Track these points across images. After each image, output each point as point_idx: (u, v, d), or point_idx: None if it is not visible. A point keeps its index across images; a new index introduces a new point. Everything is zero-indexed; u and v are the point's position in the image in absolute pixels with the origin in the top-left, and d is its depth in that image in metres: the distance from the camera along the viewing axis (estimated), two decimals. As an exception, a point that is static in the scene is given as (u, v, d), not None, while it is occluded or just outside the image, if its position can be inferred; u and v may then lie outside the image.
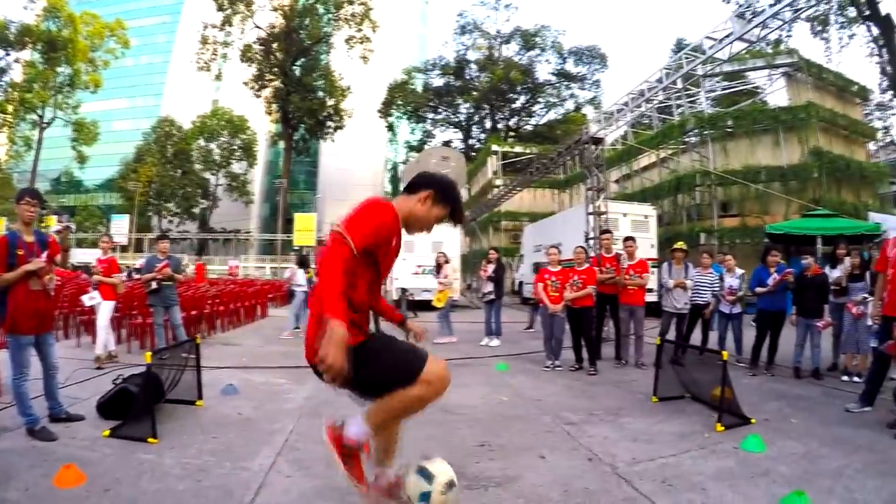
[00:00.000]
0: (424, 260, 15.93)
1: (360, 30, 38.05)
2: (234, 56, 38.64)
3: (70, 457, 3.31)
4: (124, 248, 41.42)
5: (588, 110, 42.06)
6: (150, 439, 3.71)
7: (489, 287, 9.45)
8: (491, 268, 9.44)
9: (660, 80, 10.94)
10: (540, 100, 45.00)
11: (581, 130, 13.93)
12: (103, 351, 6.82)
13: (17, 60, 41.01)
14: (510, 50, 44.43)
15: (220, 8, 36.64)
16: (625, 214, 13.89)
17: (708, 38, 9.78)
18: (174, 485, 3.06)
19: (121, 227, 42.75)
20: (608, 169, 17.89)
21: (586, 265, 7.15)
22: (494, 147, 31.25)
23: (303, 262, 11.08)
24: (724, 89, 24.29)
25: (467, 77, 44.06)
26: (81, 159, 46.52)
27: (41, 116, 42.85)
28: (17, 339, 3.87)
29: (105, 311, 7.00)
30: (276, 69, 39.04)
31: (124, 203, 50.52)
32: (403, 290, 15.41)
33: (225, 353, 8.05)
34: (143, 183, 48.55)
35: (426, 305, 16.21)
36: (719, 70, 17.12)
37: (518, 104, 45.01)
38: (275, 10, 37.99)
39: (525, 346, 8.81)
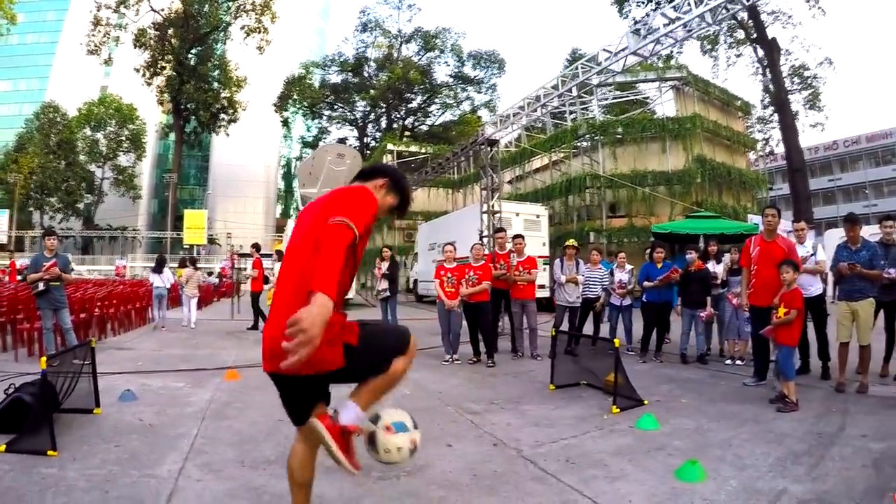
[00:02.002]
0: None
1: (259, 20, 36.63)
2: (127, 40, 35.74)
3: None
4: (2, 248, 36.97)
5: (484, 113, 43.41)
6: (49, 452, 3.51)
7: (384, 284, 9.55)
8: (385, 265, 9.56)
9: (555, 87, 11.61)
10: (437, 101, 45.83)
11: (477, 132, 14.48)
12: None
13: None
14: (410, 50, 44.96)
15: None
16: (517, 214, 14.56)
17: (604, 50, 10.44)
18: (81, 498, 2.93)
19: (1, 223, 38.09)
20: (502, 170, 18.74)
21: (482, 261, 7.45)
22: (390, 146, 31.42)
23: (161, 263, 11.73)
24: (615, 98, 26.15)
25: (366, 75, 43.91)
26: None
27: None
28: None
29: None
30: (170, 56, 36.65)
31: (3, 196, 45.29)
32: None
33: (119, 357, 7.65)
34: (24, 175, 43.54)
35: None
36: (612, 80, 18.39)
37: (415, 104, 45.59)
38: None
39: (424, 343, 8.89)
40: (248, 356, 7.62)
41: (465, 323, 7.54)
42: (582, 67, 10.91)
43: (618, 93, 25.81)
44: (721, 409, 4.68)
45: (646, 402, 4.79)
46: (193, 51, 38.72)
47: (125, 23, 35.95)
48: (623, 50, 9.84)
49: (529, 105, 12.28)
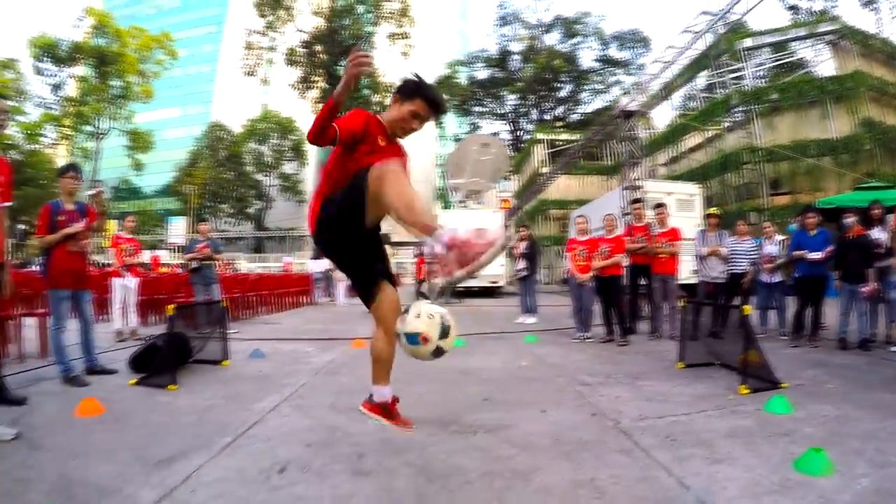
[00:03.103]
0: None
1: (400, 25, 38.46)
2: (279, 60, 39.77)
3: (96, 397, 3.58)
4: (182, 248, 43.64)
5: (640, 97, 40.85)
6: (170, 386, 3.98)
7: (522, 264, 9.43)
8: (523, 245, 9.42)
9: (690, 46, 10.46)
10: (585, 88, 44.07)
11: (614, 107, 13.69)
12: (126, 326, 7.15)
13: (70, 76, 43.55)
14: (552, 39, 43.74)
15: (262, 14, 37.73)
16: (669, 194, 13.45)
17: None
18: (179, 419, 3.29)
19: (178, 228, 44.95)
20: (655, 151, 17.42)
21: (615, 234, 6.97)
22: (540, 135, 31.02)
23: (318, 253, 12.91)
24: (768, 62, 23.15)
25: (511, 68, 43.65)
26: (138, 167, 49.10)
27: (97, 128, 45.39)
28: (56, 293, 4.29)
29: (133, 288, 7.35)
30: (320, 70, 39.89)
31: (181, 206, 52.92)
32: None
33: (264, 329, 8.43)
34: (198, 186, 50.71)
35: (474, 293, 16.29)
36: (762, 43, 16.35)
37: (564, 93, 44.27)
38: (315, 13, 38.82)
39: (562, 324, 8.63)
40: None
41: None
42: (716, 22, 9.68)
43: (772, 56, 22.82)
44: (873, 398, 3.78)
45: (784, 384, 4.04)
46: (342, 63, 41.74)
47: (275, 44, 39.70)
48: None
49: (662, 70, 11.26)
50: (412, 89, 2.47)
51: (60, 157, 45.34)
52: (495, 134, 44.88)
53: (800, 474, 2.45)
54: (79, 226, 4.33)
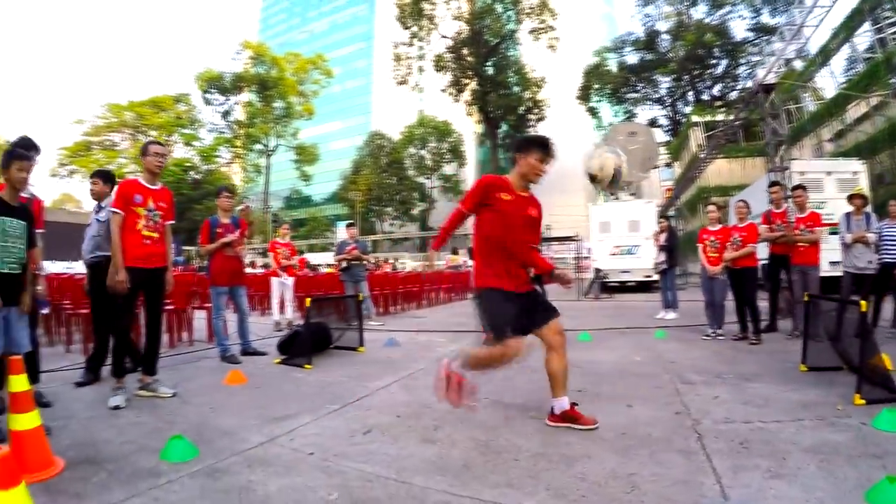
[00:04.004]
0: (623, 240, 15.49)
1: (542, 20, 38.14)
2: (429, 67, 41.82)
3: (242, 371, 4.58)
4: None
5: (798, 64, 35.41)
6: (306, 366, 4.87)
7: (662, 256, 9.11)
8: (663, 237, 9.13)
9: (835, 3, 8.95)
10: (742, 61, 39.33)
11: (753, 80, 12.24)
12: (283, 317, 8.40)
13: (237, 103, 50.76)
14: (699, 12, 39.71)
15: (406, 27, 40.00)
16: (828, 173, 11.72)
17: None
18: (303, 388, 4.12)
19: (343, 233, 49.89)
20: (817, 127, 15.19)
21: (748, 221, 6.48)
22: (695, 118, 28.77)
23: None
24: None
25: (661, 49, 40.72)
26: (305, 178, 55.43)
27: (266, 145, 52.25)
28: (215, 289, 5.54)
29: (290, 286, 8.65)
30: (469, 72, 41.22)
31: (348, 211, 58.39)
32: (598, 271, 15.22)
33: (409, 322, 9.24)
34: (363, 192, 55.60)
35: (623, 288, 15.83)
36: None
37: (720, 70, 40.07)
38: (455, 18, 40.09)
39: (701, 319, 7.87)
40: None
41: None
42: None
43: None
44: None
45: None
46: (489, 62, 42.68)
47: (423, 53, 41.88)
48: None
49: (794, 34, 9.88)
50: (527, 142, 3.18)
51: (235, 174, 53.20)
52: (652, 120, 42.40)
53: (867, 505, 2.11)
54: (233, 236, 5.47)
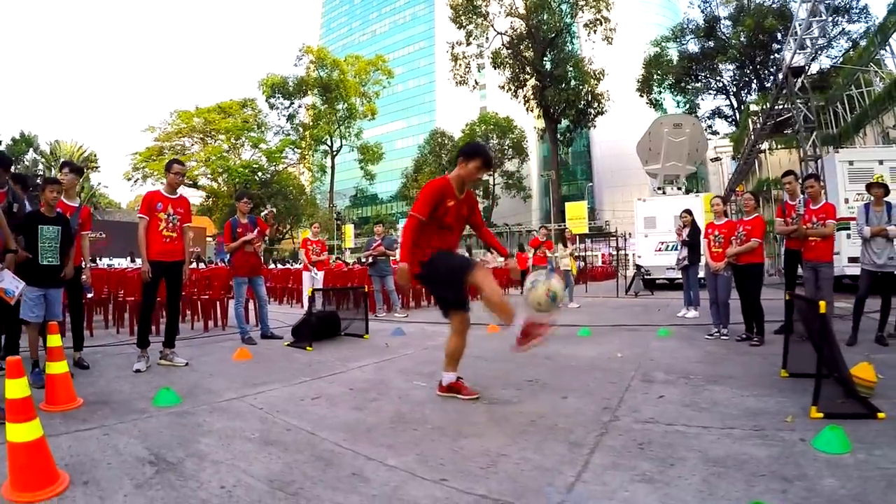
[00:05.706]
0: (669, 237, 15.30)
1: (598, 12, 37.41)
2: (487, 64, 41.97)
3: (251, 350, 5.41)
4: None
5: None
6: (308, 348, 5.63)
7: (684, 252, 8.66)
8: (686, 232, 8.67)
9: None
10: (806, 45, 36.57)
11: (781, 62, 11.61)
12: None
13: (301, 106, 52.66)
14: None
15: (460, 25, 40.22)
16: (881, 161, 11.00)
17: None
18: (293, 365, 4.88)
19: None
20: (880, 113, 14.22)
21: (755, 214, 6.23)
22: (753, 107, 27.32)
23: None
24: None
25: (721, 36, 38.77)
26: (370, 177, 56.85)
27: (330, 146, 53.97)
28: (236, 279, 6.52)
29: (319, 279, 9.50)
30: (527, 68, 41.09)
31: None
32: (639, 268, 15.11)
33: (433, 315, 9.22)
34: (424, 190, 56.66)
35: (666, 285, 15.54)
36: None
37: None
38: (508, 14, 39.95)
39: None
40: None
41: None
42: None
43: None
44: None
45: (881, 414, 3.02)
46: (547, 57, 42.32)
47: (481, 51, 42.01)
48: None
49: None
50: (469, 153, 3.63)
51: (302, 174, 55.28)
52: (716, 110, 40.62)
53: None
54: (251, 235, 6.40)
